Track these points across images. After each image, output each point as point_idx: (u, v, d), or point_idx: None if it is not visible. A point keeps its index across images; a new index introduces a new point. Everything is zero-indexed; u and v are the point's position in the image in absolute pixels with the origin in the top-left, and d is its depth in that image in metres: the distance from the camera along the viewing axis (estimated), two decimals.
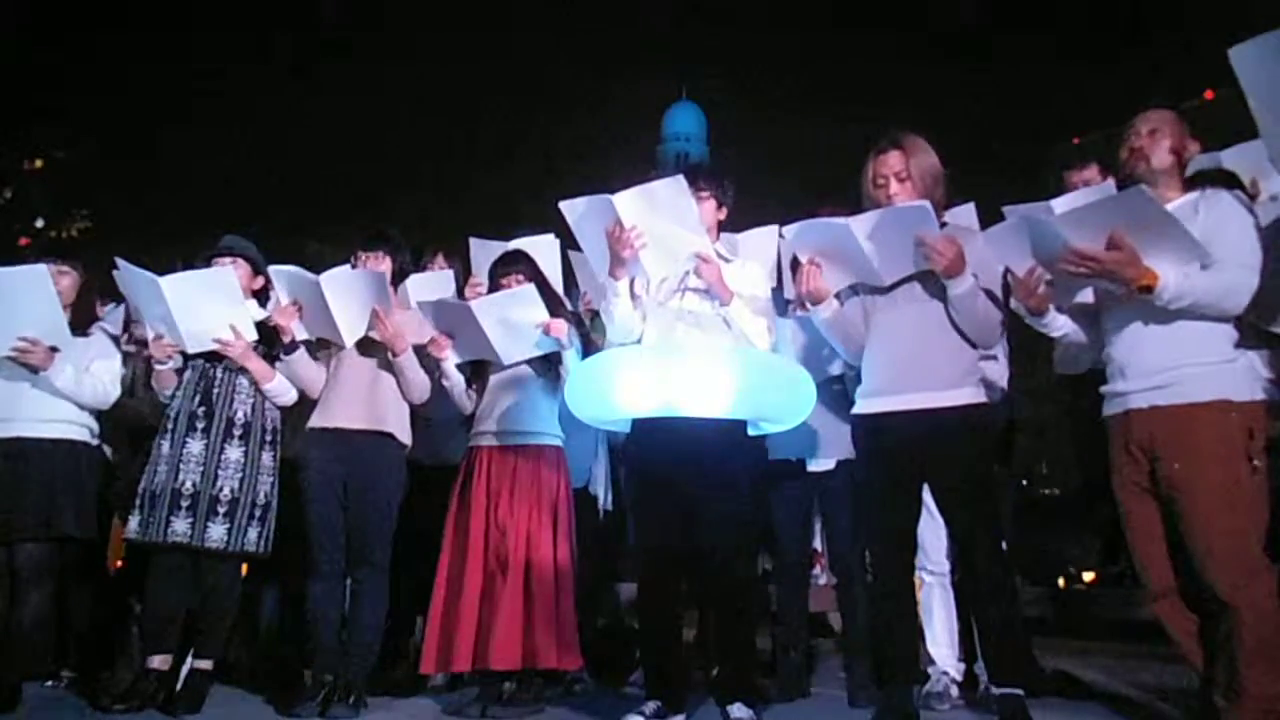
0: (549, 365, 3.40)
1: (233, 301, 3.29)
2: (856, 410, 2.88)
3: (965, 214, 3.35)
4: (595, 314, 3.85)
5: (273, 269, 3.40)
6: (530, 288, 3.32)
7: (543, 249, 3.73)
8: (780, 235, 3.57)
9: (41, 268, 3.30)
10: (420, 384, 3.38)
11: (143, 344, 3.57)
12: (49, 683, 3.67)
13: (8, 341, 3.26)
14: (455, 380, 3.42)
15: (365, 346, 3.39)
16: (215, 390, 3.31)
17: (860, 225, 2.73)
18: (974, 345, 2.79)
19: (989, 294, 2.72)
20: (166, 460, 3.21)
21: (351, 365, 3.39)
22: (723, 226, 3.21)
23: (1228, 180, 2.97)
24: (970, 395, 2.74)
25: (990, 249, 2.74)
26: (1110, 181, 3.14)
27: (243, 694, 3.52)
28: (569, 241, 3.60)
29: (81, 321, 3.43)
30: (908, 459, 2.73)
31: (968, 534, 2.74)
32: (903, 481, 2.78)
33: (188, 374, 3.36)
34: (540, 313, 3.28)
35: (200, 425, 3.25)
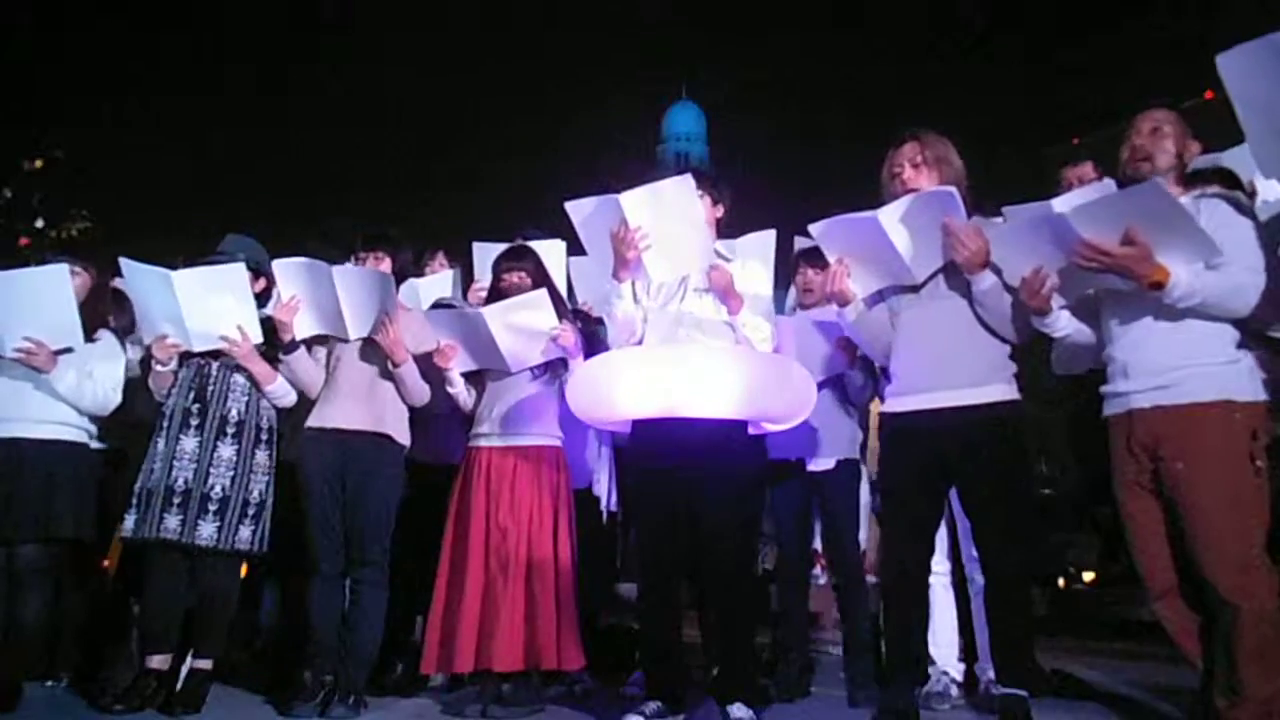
0: (550, 374, 3.40)
1: (242, 299, 3.27)
2: (885, 409, 2.87)
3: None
4: (598, 320, 3.85)
5: (278, 261, 3.34)
6: (542, 293, 3.32)
7: (547, 253, 3.73)
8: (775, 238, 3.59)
9: (62, 267, 3.31)
10: (420, 391, 3.38)
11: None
12: (49, 683, 3.67)
13: (17, 341, 3.26)
14: (460, 389, 3.42)
15: (364, 347, 3.38)
16: (210, 388, 3.30)
17: (888, 215, 2.71)
18: (1003, 340, 2.77)
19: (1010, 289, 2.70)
20: (161, 458, 3.20)
21: (350, 365, 3.38)
22: (720, 225, 3.22)
23: (1225, 179, 2.97)
24: (1001, 392, 2.71)
25: (1002, 245, 2.73)
26: (1108, 180, 3.13)
27: (243, 694, 3.52)
28: (573, 246, 3.60)
29: (89, 324, 3.42)
30: (936, 458, 2.71)
31: (992, 536, 2.70)
32: (929, 480, 2.76)
33: (182, 372, 3.35)
34: (550, 318, 3.27)
35: (194, 422, 3.24)
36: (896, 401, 2.81)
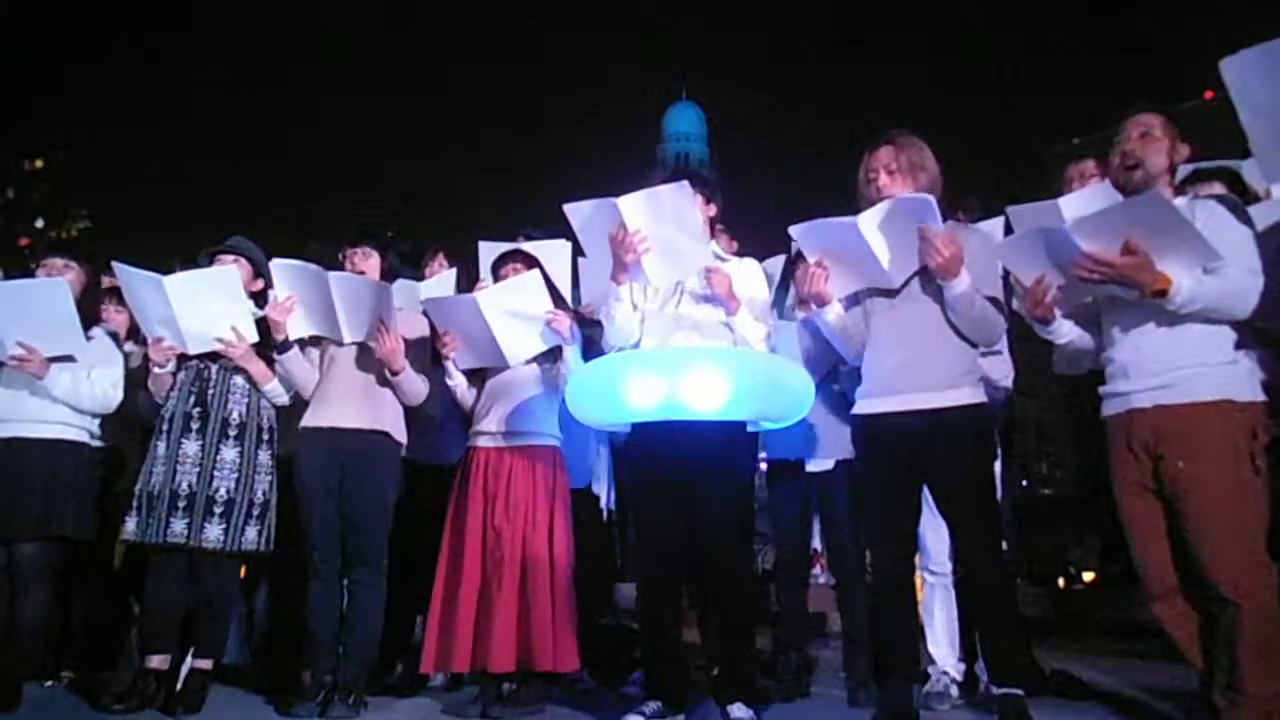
0: (549, 363, 3.40)
1: (236, 301, 3.28)
2: (856, 410, 2.88)
3: (995, 227, 3.35)
4: (595, 322, 3.86)
5: (275, 261, 3.35)
6: (535, 273, 3.32)
7: (554, 253, 3.74)
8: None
9: (62, 281, 3.35)
10: (416, 393, 3.38)
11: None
12: (49, 683, 3.67)
13: (14, 347, 3.27)
14: (459, 381, 3.43)
15: (360, 346, 3.38)
16: (210, 391, 3.30)
17: (866, 221, 2.73)
18: (974, 345, 2.80)
19: (990, 298, 2.72)
20: (163, 461, 3.20)
21: (346, 365, 3.38)
22: (714, 223, 3.23)
23: (1226, 176, 2.98)
24: (969, 395, 2.74)
25: (1003, 258, 2.74)
26: (1110, 181, 3.13)
27: (243, 694, 3.52)
28: (578, 246, 3.60)
29: (82, 322, 3.42)
30: (907, 459, 2.73)
31: (967, 534, 2.74)
32: (902, 481, 2.78)
33: (181, 375, 3.35)
34: (545, 300, 3.29)
35: (195, 426, 3.24)
36: (867, 403, 2.83)
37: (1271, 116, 2.35)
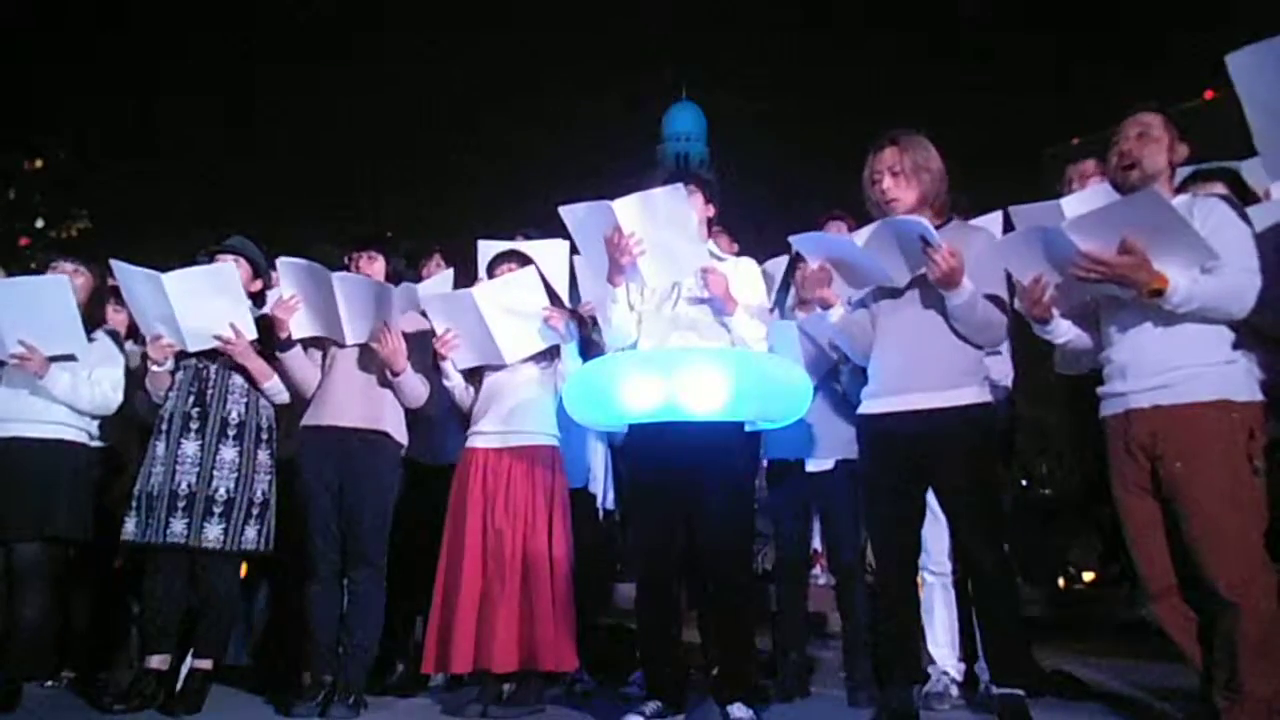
0: (547, 363, 3.40)
1: (235, 298, 3.28)
2: (861, 410, 2.88)
3: (992, 222, 3.35)
4: (594, 320, 3.86)
5: (281, 260, 3.34)
6: (530, 269, 3.32)
7: (551, 252, 3.74)
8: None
9: (64, 278, 3.34)
10: (416, 395, 3.38)
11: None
12: (49, 683, 3.67)
13: (15, 345, 3.27)
14: (456, 381, 3.43)
15: (362, 346, 3.38)
16: (209, 390, 3.30)
17: (863, 238, 2.76)
18: (977, 346, 2.80)
19: (993, 296, 2.72)
20: (162, 461, 3.21)
21: (347, 365, 3.38)
22: (713, 223, 3.22)
23: (1226, 177, 2.97)
24: (973, 395, 2.74)
25: (1000, 257, 2.75)
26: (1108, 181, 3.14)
27: (243, 694, 3.52)
28: (576, 246, 3.61)
29: (88, 325, 3.42)
30: (911, 459, 2.73)
31: (970, 534, 2.74)
32: (906, 481, 2.78)
33: (179, 374, 3.35)
34: (541, 297, 3.29)
35: (194, 426, 3.25)
36: (872, 403, 2.84)
37: (1276, 112, 2.35)
